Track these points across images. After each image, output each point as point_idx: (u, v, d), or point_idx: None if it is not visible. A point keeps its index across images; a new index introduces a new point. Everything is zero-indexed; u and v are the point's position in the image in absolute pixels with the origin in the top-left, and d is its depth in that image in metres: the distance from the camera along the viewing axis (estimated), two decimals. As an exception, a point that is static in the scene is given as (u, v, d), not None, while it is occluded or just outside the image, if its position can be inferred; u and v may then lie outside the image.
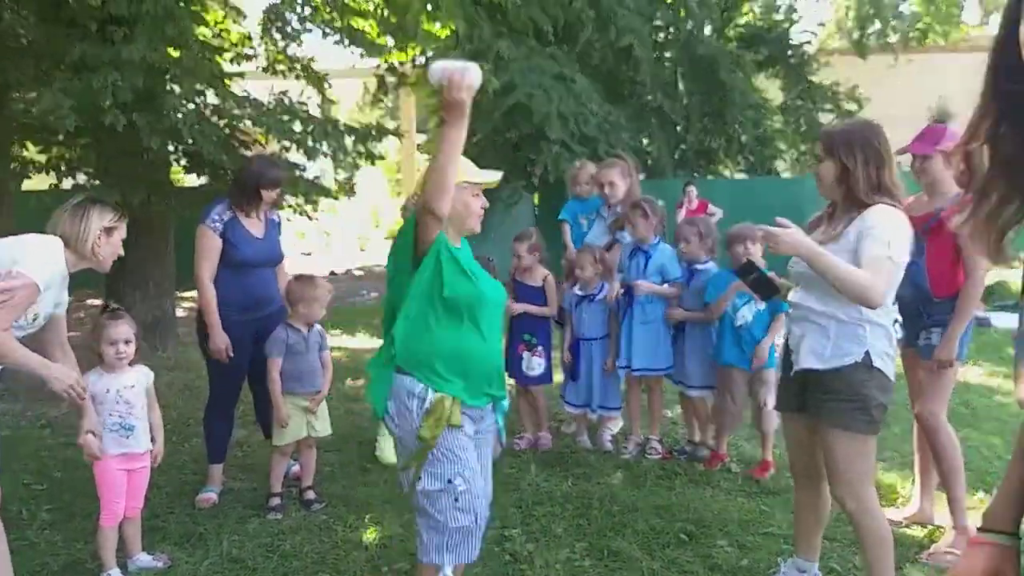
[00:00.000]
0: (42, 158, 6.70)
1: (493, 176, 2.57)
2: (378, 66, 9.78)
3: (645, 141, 12.99)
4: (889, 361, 2.65)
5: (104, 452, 3.12)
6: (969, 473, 4.06)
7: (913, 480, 3.84)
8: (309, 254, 16.71)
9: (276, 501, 3.86)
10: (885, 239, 2.53)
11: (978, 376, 5.99)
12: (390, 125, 20.27)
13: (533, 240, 4.60)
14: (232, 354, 3.86)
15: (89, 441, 3.03)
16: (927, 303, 3.35)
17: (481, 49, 9.67)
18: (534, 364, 4.62)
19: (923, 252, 3.29)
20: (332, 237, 19.88)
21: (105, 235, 2.90)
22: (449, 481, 2.44)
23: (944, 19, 16.44)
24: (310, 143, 5.90)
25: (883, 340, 2.63)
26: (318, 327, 3.90)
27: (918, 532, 3.58)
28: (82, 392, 2.82)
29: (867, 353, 2.60)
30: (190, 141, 5.40)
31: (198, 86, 5.84)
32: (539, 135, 10.61)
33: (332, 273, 13.95)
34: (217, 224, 3.82)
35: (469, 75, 2.21)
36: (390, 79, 12.57)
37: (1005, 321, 8.03)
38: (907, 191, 2.83)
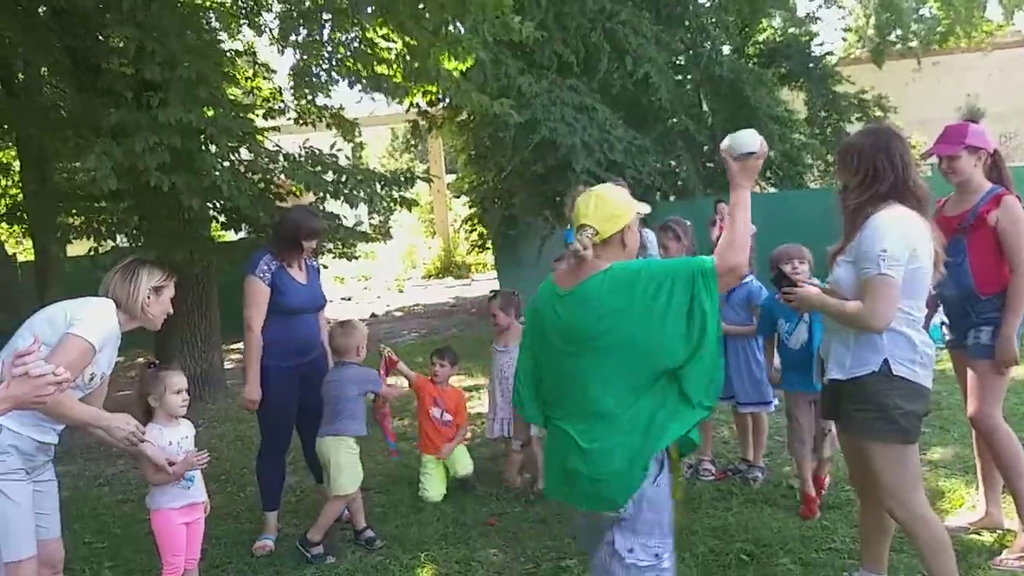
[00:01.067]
0: (83, 225, 6.91)
1: (645, 206, 2.47)
2: (408, 110, 9.98)
3: (673, 163, 12.97)
4: (915, 367, 2.61)
5: (164, 505, 3.17)
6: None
7: (977, 485, 3.72)
8: (349, 298, 16.90)
9: (318, 549, 3.86)
10: (874, 256, 2.53)
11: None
12: (419, 168, 20.65)
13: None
14: (268, 405, 3.93)
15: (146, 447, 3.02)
16: (974, 301, 3.29)
17: (504, 85, 9.81)
18: None
19: (964, 250, 3.24)
20: (370, 280, 20.12)
21: (155, 294, 2.98)
22: (656, 556, 2.23)
23: (965, 20, 16.24)
24: (345, 191, 6.02)
25: (903, 347, 2.61)
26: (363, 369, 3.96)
27: (987, 538, 3.47)
28: (142, 437, 2.89)
29: (885, 361, 2.58)
30: (227, 199, 5.55)
31: (232, 143, 6.01)
32: (565, 166, 10.68)
33: (373, 315, 14.07)
34: (266, 273, 3.91)
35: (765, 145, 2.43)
36: (423, 123, 12.85)
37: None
38: (936, 193, 2.82)
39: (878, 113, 14.15)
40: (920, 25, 17.27)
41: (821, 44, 15.39)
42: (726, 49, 13.68)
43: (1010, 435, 3.30)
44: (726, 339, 4.33)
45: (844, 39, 17.29)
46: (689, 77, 13.45)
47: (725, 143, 2.37)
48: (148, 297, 2.95)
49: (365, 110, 12.91)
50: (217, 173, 5.42)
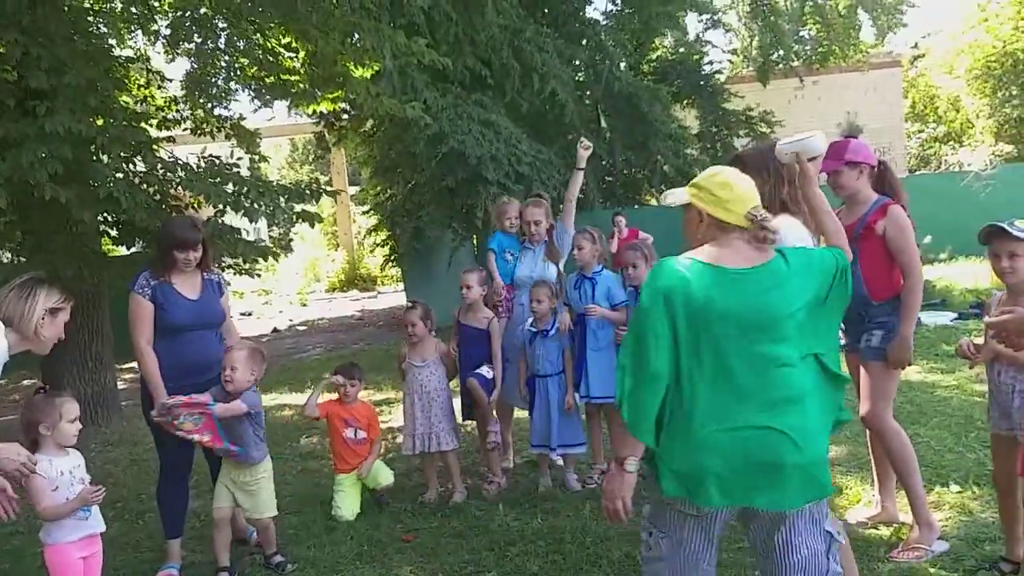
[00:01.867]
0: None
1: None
2: (318, 122, 9.77)
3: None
4: None
5: (61, 540, 2.99)
6: (925, 468, 4.22)
7: (872, 481, 3.94)
8: (250, 314, 16.38)
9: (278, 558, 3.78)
10: None
11: (918, 374, 6.22)
12: (321, 179, 20.24)
13: (483, 273, 4.68)
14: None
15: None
16: (866, 306, 3.45)
17: (410, 98, 9.78)
18: (488, 373, 4.60)
19: (856, 259, 3.43)
20: (272, 295, 19.56)
21: (50, 316, 2.81)
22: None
23: (842, 41, 17.36)
24: (245, 204, 5.83)
25: None
26: (249, 391, 3.72)
27: (884, 532, 3.67)
28: (33, 469, 2.70)
29: None
30: (124, 211, 5.28)
31: (126, 154, 5.74)
32: (475, 179, 10.73)
33: (275, 330, 13.69)
34: (145, 289, 3.73)
35: (810, 148, 2.49)
36: (329, 136, 12.63)
37: (934, 319, 8.39)
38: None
39: (764, 129, 14.90)
40: (801, 46, 18.34)
41: (710, 63, 16.11)
42: (622, 66, 14.10)
43: (899, 433, 3.50)
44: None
45: (731, 61, 18.11)
46: (588, 93, 13.78)
47: (788, 147, 2.49)
48: (43, 318, 2.78)
49: (263, 120, 12.61)
50: (111, 184, 5.16)
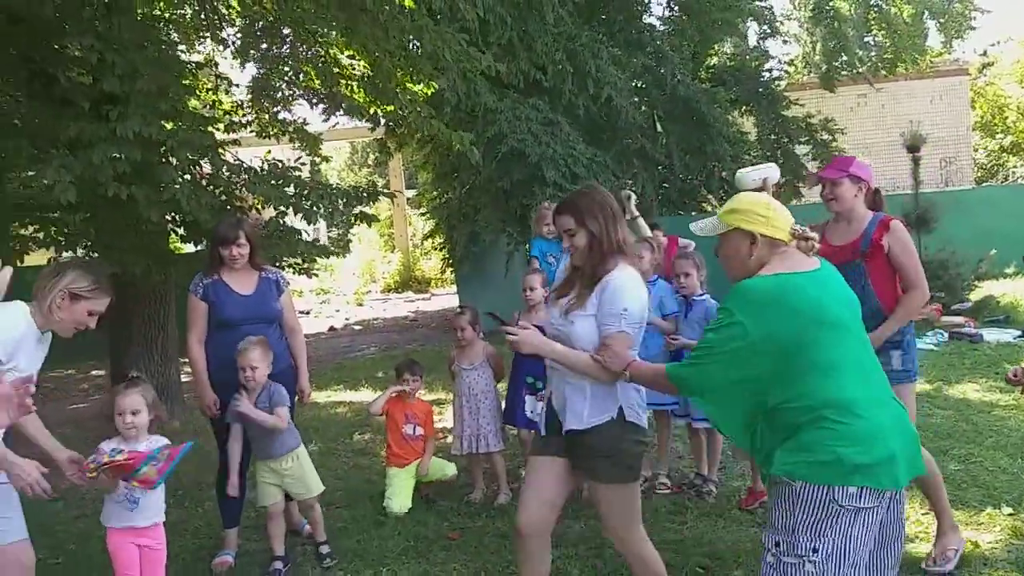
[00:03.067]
0: (40, 235, 6.80)
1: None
2: (373, 129, 10.00)
3: (630, 181, 13.23)
4: (641, 411, 2.81)
5: (111, 524, 3.15)
6: (976, 489, 4.18)
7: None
8: (307, 312, 16.78)
9: (278, 564, 3.86)
10: (617, 312, 2.68)
11: (976, 392, 6.07)
12: (379, 182, 20.59)
13: (545, 275, 4.72)
14: (220, 410, 3.91)
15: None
16: (880, 321, 3.36)
17: (475, 103, 9.91)
18: (538, 408, 4.64)
19: (865, 275, 3.37)
20: (329, 294, 20.00)
21: (69, 299, 2.79)
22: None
23: (908, 47, 16.96)
24: (305, 206, 6.03)
25: (632, 393, 2.78)
26: (274, 387, 3.84)
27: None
28: (46, 491, 2.70)
29: (620, 409, 2.74)
30: (187, 211, 5.52)
31: (193, 157, 5.98)
32: (532, 179, 10.82)
33: (332, 329, 14.00)
34: (198, 288, 3.91)
35: (774, 174, 2.77)
36: (390, 143, 12.88)
37: (996, 336, 8.15)
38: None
39: (825, 136, 14.62)
40: (865, 52, 17.95)
41: (769, 71, 15.88)
42: (681, 71, 14.03)
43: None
44: (684, 355, 4.46)
45: (786, 72, 17.81)
46: (646, 99, 13.75)
47: (755, 175, 2.78)
48: (61, 299, 2.78)
49: (326, 124, 12.94)
50: (177, 186, 5.39)
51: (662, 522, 4.13)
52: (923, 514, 3.99)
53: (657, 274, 4.65)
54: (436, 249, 14.80)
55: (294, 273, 6.94)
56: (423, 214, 15.93)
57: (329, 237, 16.76)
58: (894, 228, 3.39)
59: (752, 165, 13.93)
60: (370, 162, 27.71)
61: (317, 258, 6.89)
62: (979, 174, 22.08)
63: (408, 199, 20.40)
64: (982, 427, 5.31)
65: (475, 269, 12.23)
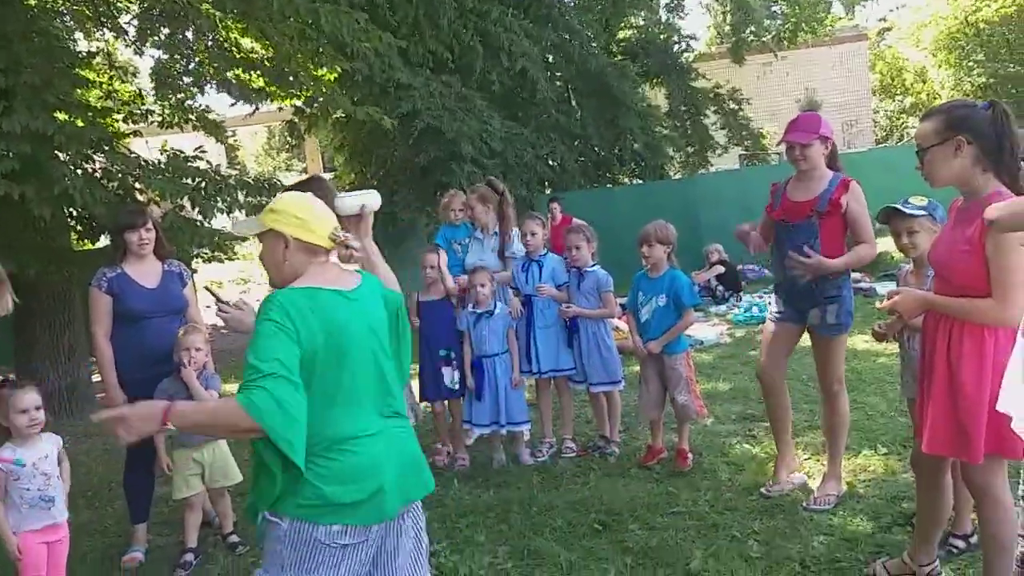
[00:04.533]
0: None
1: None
2: (280, 109, 9.85)
3: (547, 155, 13.41)
4: None
5: (22, 528, 3.13)
6: (856, 432, 4.47)
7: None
8: (227, 302, 16.43)
9: (188, 556, 3.88)
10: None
11: (864, 343, 6.44)
12: (297, 165, 20.21)
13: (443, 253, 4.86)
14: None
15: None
16: (821, 280, 3.58)
17: (387, 78, 9.86)
18: (455, 377, 4.76)
19: (816, 233, 3.57)
20: (250, 283, 19.60)
21: None
22: None
23: (809, 17, 17.55)
24: (203, 200, 5.93)
25: None
26: (209, 373, 3.89)
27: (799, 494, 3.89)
28: None
29: None
30: (82, 207, 5.39)
31: (86, 150, 5.83)
32: (450, 156, 10.86)
33: (252, 319, 13.77)
34: (102, 281, 3.86)
35: (372, 201, 2.63)
36: (299, 123, 12.66)
37: (888, 289, 8.60)
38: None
39: (733, 106, 15.08)
40: (771, 22, 18.50)
41: (678, 43, 16.23)
42: (593, 45, 14.24)
43: (847, 397, 3.83)
44: (578, 323, 4.66)
45: (690, 43, 18.10)
46: (559, 74, 13.91)
47: (353, 200, 2.60)
48: None
49: (240, 110, 12.65)
50: (68, 181, 5.26)
51: (566, 484, 4.31)
52: (806, 458, 4.29)
53: (547, 248, 4.81)
54: (350, 230, 14.68)
55: (204, 262, 6.85)
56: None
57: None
58: (853, 188, 3.56)
59: (668, 136, 14.35)
60: (287, 147, 27.18)
61: (215, 249, 6.76)
62: (880, 135, 23.07)
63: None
64: (865, 375, 5.68)
65: (394, 250, 12.18)
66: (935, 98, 22.69)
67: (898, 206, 3.08)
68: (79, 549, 3.80)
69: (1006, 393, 2.19)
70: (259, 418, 1.85)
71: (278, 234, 2.13)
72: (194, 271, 6.42)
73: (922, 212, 3.04)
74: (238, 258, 7.56)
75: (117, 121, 7.48)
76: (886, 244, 10.57)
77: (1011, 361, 2.19)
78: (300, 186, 2.92)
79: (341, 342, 2.05)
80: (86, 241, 8.21)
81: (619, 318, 5.97)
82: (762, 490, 3.89)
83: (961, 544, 3.15)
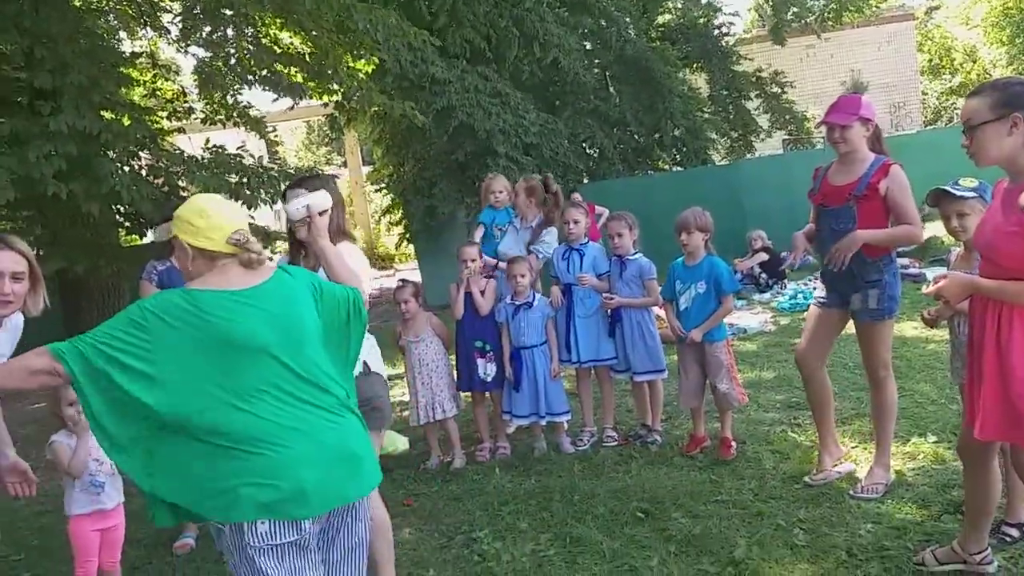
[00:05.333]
0: (-14, 233, 6.77)
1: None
2: (325, 105, 9.95)
3: (585, 145, 13.33)
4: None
5: (74, 512, 3.24)
6: (905, 420, 4.38)
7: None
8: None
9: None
10: None
11: (913, 330, 6.29)
12: (337, 160, 20.37)
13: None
14: None
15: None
16: (860, 265, 3.50)
17: (421, 72, 9.91)
18: (489, 369, 4.78)
19: (854, 217, 3.49)
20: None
21: None
22: None
23: (854, -2, 17.16)
24: (247, 193, 6.03)
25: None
26: None
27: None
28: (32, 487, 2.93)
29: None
30: (128, 203, 5.53)
31: (132, 148, 5.97)
32: (485, 152, 10.87)
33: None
34: (153, 275, 3.96)
35: (318, 203, 2.64)
36: (339, 117, 12.79)
37: (936, 273, 8.38)
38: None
39: (775, 89, 14.79)
40: (815, 3, 18.10)
41: (719, 27, 15.97)
42: (631, 31, 14.09)
43: (894, 384, 3.75)
44: (621, 313, 4.63)
45: (737, 20, 17.88)
46: (597, 61, 13.79)
47: (300, 203, 2.63)
48: None
49: (280, 105, 12.82)
50: (115, 178, 5.39)
51: (608, 472, 4.30)
52: (853, 447, 4.21)
53: (587, 236, 4.78)
54: (394, 224, 14.78)
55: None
56: (378, 190, 15.88)
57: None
58: (893, 173, 3.46)
59: (709, 120, 14.11)
60: (326, 141, 27.46)
61: (270, 243, 6.88)
62: (929, 116, 22.46)
63: (366, 176, 20.29)
64: (915, 362, 5.54)
65: (434, 243, 12.27)
66: (986, 77, 21.97)
67: (947, 188, 2.98)
68: (132, 535, 3.90)
69: None
70: (59, 357, 1.90)
71: (181, 242, 2.13)
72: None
73: (973, 194, 2.93)
74: (279, 252, 7.63)
75: (161, 119, 7.64)
76: (936, 229, 10.33)
77: None
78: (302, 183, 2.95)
79: (231, 341, 2.00)
80: (134, 236, 8.42)
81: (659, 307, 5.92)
82: (806, 479, 3.82)
83: (1014, 532, 3.06)
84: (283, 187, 6.59)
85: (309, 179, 3.06)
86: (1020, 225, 2.34)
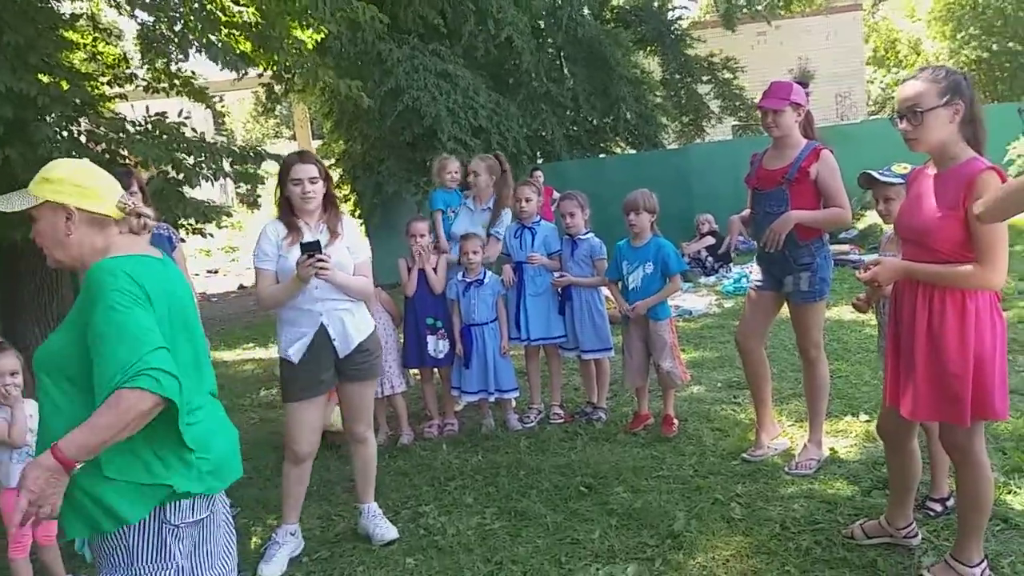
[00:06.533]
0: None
1: None
2: (260, 75, 9.71)
3: (538, 127, 13.33)
4: None
5: (5, 484, 3.17)
6: (839, 400, 4.54)
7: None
8: (215, 271, 16.43)
9: None
10: None
11: (851, 314, 6.47)
12: (286, 132, 19.98)
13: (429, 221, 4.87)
14: None
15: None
16: (792, 247, 3.62)
17: (362, 51, 9.77)
18: (441, 346, 4.79)
19: (786, 200, 3.60)
20: (239, 251, 19.55)
21: None
22: None
23: (804, -15, 17.41)
24: (188, 167, 5.85)
25: None
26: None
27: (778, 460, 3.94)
28: None
29: None
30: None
31: (70, 113, 5.76)
32: (432, 134, 10.80)
33: (241, 287, 13.79)
34: None
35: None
36: (277, 87, 12.49)
37: (869, 259, 8.66)
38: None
39: (727, 75, 14.99)
40: (765, -10, 18.34)
41: (673, 9, 16.09)
42: (584, 11, 14.09)
43: (826, 363, 3.88)
44: (571, 291, 4.68)
45: (687, 8, 18.08)
46: (551, 41, 13.77)
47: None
48: None
49: (228, 75, 12.46)
50: (52, 144, 5.20)
51: (553, 448, 4.36)
52: (790, 424, 4.35)
53: (540, 215, 4.81)
54: (344, 200, 14.59)
55: (188, 234, 6.80)
56: (328, 166, 15.65)
57: (237, 193, 16.34)
58: (824, 157, 3.58)
59: (660, 105, 14.24)
60: (276, 114, 26.90)
61: (213, 218, 6.70)
62: (873, 107, 23.04)
63: (316, 150, 19.98)
64: (851, 345, 5.74)
65: (383, 220, 12.19)
66: (928, 70, 22.58)
67: (873, 173, 3.09)
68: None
69: None
70: (162, 392, 1.72)
71: (57, 206, 1.92)
72: (180, 238, 6.37)
73: (900, 180, 3.04)
74: (226, 226, 7.48)
75: (102, 84, 7.38)
76: (876, 216, 10.60)
77: None
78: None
79: (179, 308, 1.97)
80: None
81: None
82: (744, 455, 3.95)
83: (938, 507, 3.21)
84: (225, 163, 6.54)
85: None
86: (954, 210, 2.44)
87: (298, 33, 6.85)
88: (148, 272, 1.90)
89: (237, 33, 6.91)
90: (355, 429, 3.59)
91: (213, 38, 6.90)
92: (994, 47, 19.26)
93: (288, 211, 3.39)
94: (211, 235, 7.03)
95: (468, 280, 4.69)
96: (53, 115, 5.61)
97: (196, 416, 1.94)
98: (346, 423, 3.66)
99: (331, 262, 3.16)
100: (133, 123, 6.08)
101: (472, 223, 4.94)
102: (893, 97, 23.53)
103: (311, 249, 3.11)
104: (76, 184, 1.93)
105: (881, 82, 24.42)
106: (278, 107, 19.51)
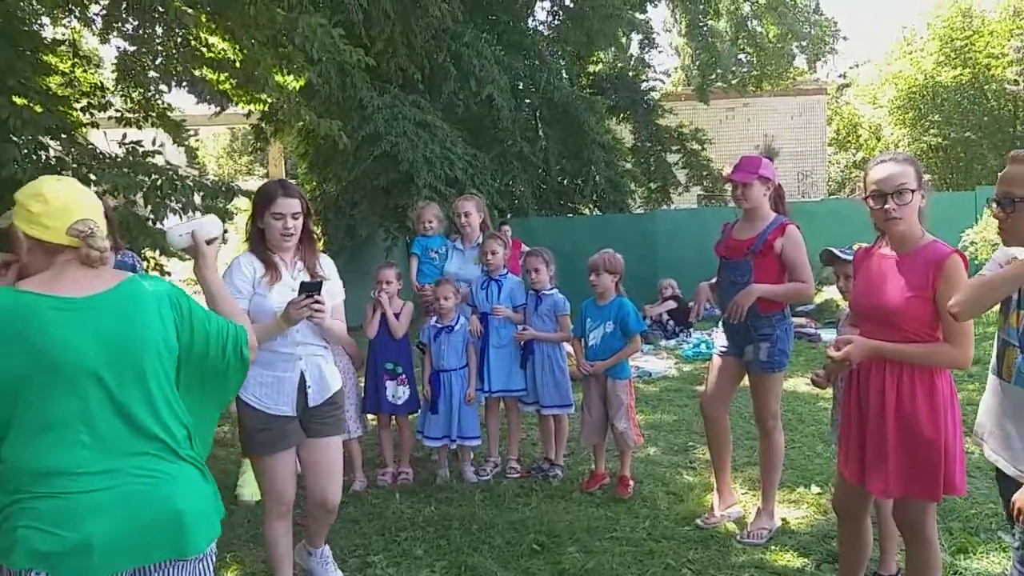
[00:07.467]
0: None
1: None
2: (248, 115, 9.74)
3: (509, 183, 13.52)
4: None
5: None
6: (792, 471, 4.59)
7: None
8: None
9: None
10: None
11: (806, 386, 6.59)
12: (259, 171, 19.93)
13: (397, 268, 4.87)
14: None
15: None
16: (754, 318, 3.69)
17: (349, 96, 9.88)
18: (400, 392, 4.76)
19: (750, 271, 3.70)
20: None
21: None
22: None
23: (774, 66, 18.13)
24: (156, 199, 5.79)
25: None
26: None
27: (731, 526, 3.96)
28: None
29: None
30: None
31: (41, 137, 5.70)
32: (407, 180, 10.88)
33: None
34: None
35: (205, 230, 2.36)
36: (266, 127, 12.55)
37: (832, 335, 8.84)
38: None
39: (696, 146, 15.43)
40: (737, 68, 19.07)
41: (646, 80, 16.61)
42: (563, 76, 14.47)
43: (782, 433, 3.92)
44: (533, 345, 4.70)
45: (661, 81, 18.68)
46: (527, 102, 14.08)
47: (183, 229, 2.34)
48: None
49: (204, 109, 12.47)
50: (18, 166, 5.13)
51: (508, 503, 4.32)
52: (743, 493, 4.37)
53: (507, 268, 4.86)
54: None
55: (149, 268, 6.69)
56: (302, 206, 15.61)
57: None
58: (789, 232, 3.68)
59: (630, 171, 14.61)
60: (249, 150, 26.89)
61: (163, 254, 6.55)
62: (832, 187, 23.81)
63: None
64: (805, 416, 5.83)
65: (352, 263, 12.15)
66: (887, 155, 23.48)
67: (834, 250, 3.20)
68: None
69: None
70: None
71: (17, 228, 1.86)
72: (143, 266, 6.26)
73: None
74: (188, 258, 7.31)
75: (76, 111, 7.33)
76: (834, 292, 10.85)
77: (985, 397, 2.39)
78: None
79: (52, 358, 1.77)
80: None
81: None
82: (698, 521, 3.95)
83: (886, 583, 3.24)
84: (196, 197, 6.48)
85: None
86: (922, 291, 2.52)
87: (280, 79, 6.90)
88: (13, 315, 1.77)
89: (221, 71, 6.95)
90: (328, 498, 3.20)
91: (197, 73, 6.95)
92: (952, 135, 20.13)
93: (261, 244, 3.08)
94: (168, 272, 6.89)
95: (440, 326, 4.70)
96: (23, 137, 5.55)
97: (62, 490, 1.75)
98: (317, 490, 3.21)
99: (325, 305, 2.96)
100: (103, 154, 6.02)
101: (464, 261, 4.97)
102: (852, 178, 24.24)
103: (311, 290, 2.89)
104: (26, 209, 1.85)
105: (839, 163, 25.34)
106: (260, 146, 19.55)
